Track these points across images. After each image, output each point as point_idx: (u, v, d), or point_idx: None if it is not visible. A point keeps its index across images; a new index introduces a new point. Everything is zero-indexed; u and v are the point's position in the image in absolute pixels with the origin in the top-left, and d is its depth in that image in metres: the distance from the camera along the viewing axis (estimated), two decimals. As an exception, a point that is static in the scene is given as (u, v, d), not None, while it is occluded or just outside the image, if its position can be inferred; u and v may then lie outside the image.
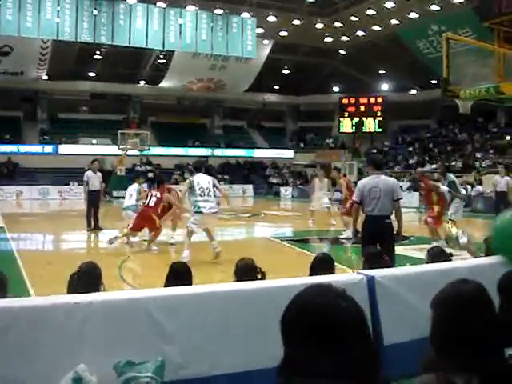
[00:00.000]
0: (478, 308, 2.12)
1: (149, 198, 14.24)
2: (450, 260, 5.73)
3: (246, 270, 4.97)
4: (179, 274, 4.80)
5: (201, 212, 11.73)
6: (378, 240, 7.54)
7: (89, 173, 18.38)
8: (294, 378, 1.64)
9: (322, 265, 5.14)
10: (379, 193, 8.07)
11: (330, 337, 1.63)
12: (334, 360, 1.61)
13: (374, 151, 47.18)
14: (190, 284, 4.69)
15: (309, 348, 1.64)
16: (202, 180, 12.08)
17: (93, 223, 17.65)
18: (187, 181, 12.46)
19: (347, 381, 1.60)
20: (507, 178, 20.70)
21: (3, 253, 13.55)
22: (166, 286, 4.62)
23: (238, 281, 4.76)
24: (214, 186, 12.31)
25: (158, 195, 14.15)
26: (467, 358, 2.02)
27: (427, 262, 5.51)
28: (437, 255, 5.64)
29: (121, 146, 38.88)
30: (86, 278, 4.41)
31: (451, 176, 13.75)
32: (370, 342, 1.73)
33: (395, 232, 8.19)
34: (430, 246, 6.42)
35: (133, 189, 15.46)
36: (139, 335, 3.30)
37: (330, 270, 5.03)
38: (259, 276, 4.97)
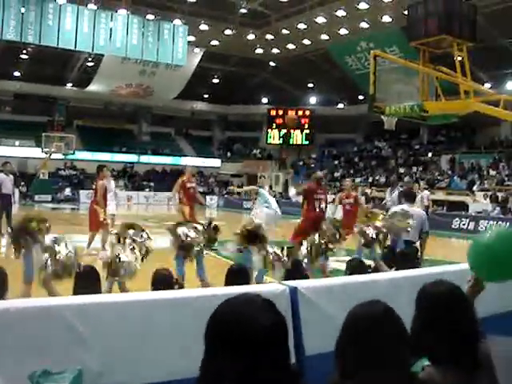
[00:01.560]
0: (385, 329, 2.14)
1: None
2: (369, 272, 5.83)
3: (163, 281, 4.93)
4: (86, 278, 4.68)
5: None
6: None
7: (1, 175, 17.20)
8: None
9: (237, 275, 5.15)
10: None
11: (244, 349, 1.64)
12: (247, 371, 1.62)
13: (301, 163, 47.79)
14: (99, 289, 4.61)
15: (222, 358, 1.65)
16: None
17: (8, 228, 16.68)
18: None
19: None
20: (423, 193, 21.19)
21: None
22: (74, 291, 4.50)
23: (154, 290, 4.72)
24: None
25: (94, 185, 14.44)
26: (369, 378, 2.04)
27: (346, 274, 5.62)
28: (356, 267, 5.74)
29: (45, 149, 38.07)
30: None
31: None
32: (287, 354, 1.76)
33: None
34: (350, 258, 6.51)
35: None
36: (57, 344, 3.20)
37: (246, 281, 5.04)
38: (176, 287, 4.94)
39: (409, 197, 9.50)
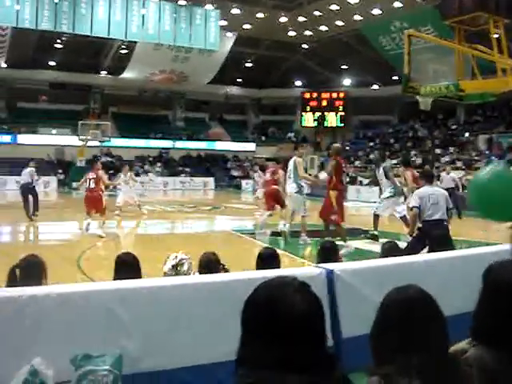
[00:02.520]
0: (420, 313, 2.12)
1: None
2: (403, 254, 5.80)
3: (209, 264, 4.95)
4: (127, 265, 4.72)
5: None
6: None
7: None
8: (247, 370, 1.65)
9: (268, 258, 5.16)
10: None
11: (280, 331, 1.64)
12: (282, 354, 1.63)
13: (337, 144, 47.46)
14: (139, 274, 4.65)
15: (263, 340, 1.66)
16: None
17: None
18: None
19: (297, 375, 1.62)
20: (452, 174, 21.99)
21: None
22: (114, 277, 4.54)
23: (200, 274, 4.74)
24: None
25: (93, 175, 15.15)
26: (407, 362, 2.03)
27: (382, 256, 5.58)
28: (391, 250, 5.73)
29: (81, 137, 38.44)
30: (28, 272, 4.30)
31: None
32: (324, 338, 1.75)
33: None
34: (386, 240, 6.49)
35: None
36: (97, 328, 3.26)
37: (276, 265, 5.04)
38: (222, 272, 4.95)
39: (428, 177, 9.53)
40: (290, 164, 13.73)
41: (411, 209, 9.20)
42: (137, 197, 19.61)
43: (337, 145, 15.12)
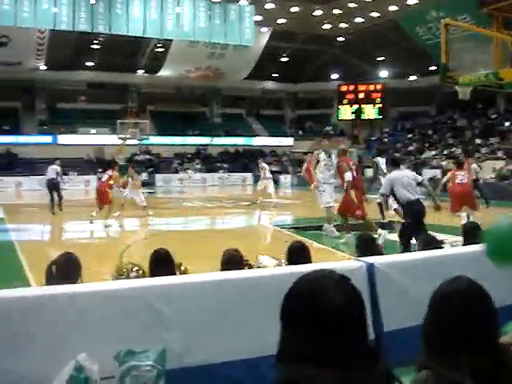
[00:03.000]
0: (473, 305, 2.10)
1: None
2: (442, 247, 5.74)
3: (232, 261, 4.98)
4: (162, 261, 4.78)
5: None
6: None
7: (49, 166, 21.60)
8: (288, 364, 1.65)
9: (298, 252, 5.16)
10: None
11: (321, 325, 1.63)
12: (323, 349, 1.62)
13: (373, 138, 47.24)
14: (174, 270, 4.69)
15: (299, 335, 1.65)
16: None
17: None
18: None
19: (339, 369, 1.60)
20: (474, 165, 21.34)
21: (3, 243, 13.58)
22: (150, 273, 4.61)
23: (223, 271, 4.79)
24: None
25: (110, 173, 17.19)
26: (460, 356, 2.01)
27: (418, 249, 5.52)
28: (428, 242, 5.65)
29: (120, 136, 38.84)
30: (64, 269, 4.37)
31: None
32: (365, 331, 1.73)
33: None
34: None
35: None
36: (140, 324, 3.30)
37: (305, 258, 5.04)
38: (246, 267, 4.98)
39: (395, 163, 10.69)
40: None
41: (381, 195, 10.23)
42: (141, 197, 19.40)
43: (341, 147, 15.71)
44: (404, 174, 10.07)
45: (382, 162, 16.64)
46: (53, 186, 20.42)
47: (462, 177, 15.16)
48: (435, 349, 2.08)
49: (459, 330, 2.03)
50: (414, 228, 9.28)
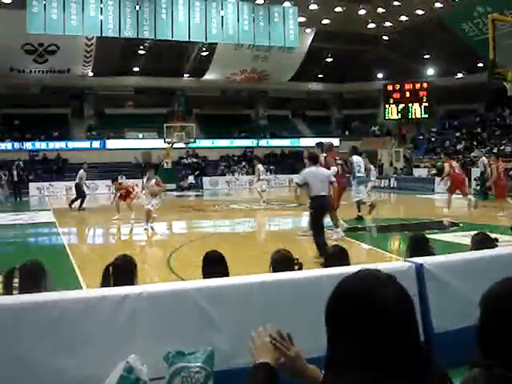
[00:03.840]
0: None
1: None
2: (496, 246, 5.60)
3: (283, 262, 4.96)
4: (214, 262, 4.81)
5: None
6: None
7: (81, 171, 23.96)
8: (339, 370, 1.61)
9: (336, 257, 5.13)
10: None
11: (372, 326, 1.57)
12: (375, 351, 1.56)
13: (421, 137, 46.71)
14: (226, 271, 4.71)
15: (349, 338, 1.59)
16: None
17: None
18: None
19: (390, 374, 1.55)
20: (483, 159, 25.05)
21: (55, 246, 13.88)
22: (203, 274, 4.65)
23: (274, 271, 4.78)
24: None
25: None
26: None
27: (472, 249, 5.40)
28: (482, 241, 5.48)
29: (167, 140, 39.25)
30: (120, 271, 4.45)
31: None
32: (416, 334, 1.66)
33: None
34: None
35: None
36: (188, 325, 3.33)
37: (345, 261, 5.00)
38: (296, 267, 4.96)
39: (313, 159, 11.42)
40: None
41: (296, 184, 11.70)
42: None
43: (329, 143, 16.69)
44: (320, 171, 11.24)
45: (356, 161, 17.48)
46: (77, 189, 23.73)
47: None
48: (491, 350, 2.03)
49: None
50: (319, 219, 11.05)
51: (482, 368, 1.96)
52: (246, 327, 3.43)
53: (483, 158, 26.16)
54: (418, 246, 5.46)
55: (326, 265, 5.15)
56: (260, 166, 25.34)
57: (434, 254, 5.43)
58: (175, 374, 3.08)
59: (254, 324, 3.45)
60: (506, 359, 1.95)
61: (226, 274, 4.61)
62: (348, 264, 5.01)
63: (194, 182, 41.05)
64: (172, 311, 3.31)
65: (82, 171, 23.87)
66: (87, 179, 25.25)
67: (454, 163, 19.00)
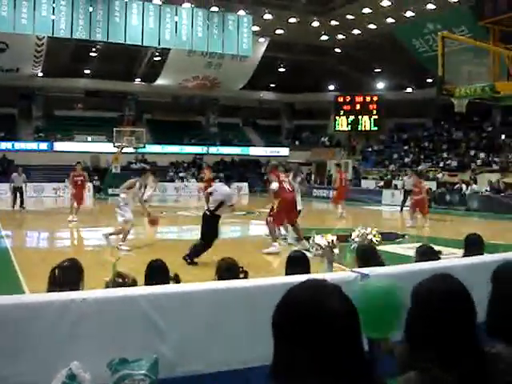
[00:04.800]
0: (460, 303, 2.11)
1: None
2: (439, 258, 5.74)
3: (228, 270, 5.00)
4: (157, 272, 4.83)
5: None
6: None
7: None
8: (283, 376, 1.62)
9: (297, 262, 5.18)
10: None
11: (318, 335, 1.59)
12: (321, 359, 1.59)
13: (370, 150, 47.34)
14: (168, 280, 4.72)
15: (295, 346, 1.61)
16: None
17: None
18: None
19: (334, 381, 1.58)
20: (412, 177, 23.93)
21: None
22: (145, 283, 4.65)
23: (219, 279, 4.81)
24: None
25: None
26: (447, 355, 2.02)
27: (416, 260, 5.54)
28: (425, 253, 5.67)
29: (116, 144, 38.85)
30: (66, 274, 4.40)
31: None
32: (360, 342, 1.70)
33: None
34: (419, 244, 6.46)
35: None
36: (133, 333, 3.29)
37: (305, 268, 5.05)
38: (241, 275, 4.99)
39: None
40: None
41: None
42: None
43: (273, 163, 17.65)
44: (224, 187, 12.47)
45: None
46: (14, 190, 25.01)
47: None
48: (419, 349, 2.09)
49: (443, 329, 2.04)
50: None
51: (418, 370, 2.01)
52: (192, 335, 3.41)
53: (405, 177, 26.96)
54: (366, 256, 5.55)
55: (286, 268, 5.19)
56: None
57: (384, 264, 5.52)
58: (119, 382, 3.04)
59: (199, 332, 3.44)
60: (431, 353, 2.01)
61: (167, 283, 4.61)
62: (308, 271, 5.06)
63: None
64: (117, 318, 3.27)
65: (14, 174, 25.50)
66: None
67: (423, 184, 20.39)
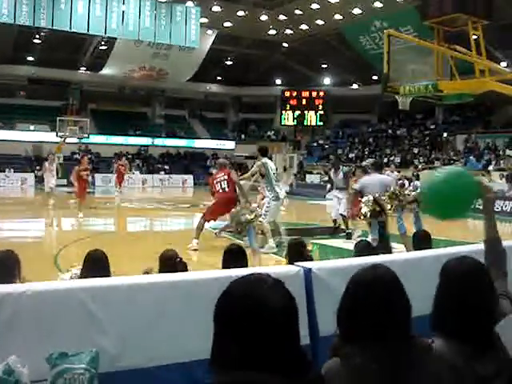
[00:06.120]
0: (385, 292, 2.14)
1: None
2: (377, 254, 5.88)
3: (167, 261, 5.01)
4: (96, 262, 4.74)
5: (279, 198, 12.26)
6: None
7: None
8: (220, 368, 1.64)
9: (235, 255, 5.20)
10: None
11: (255, 330, 1.62)
12: (257, 354, 1.62)
13: (315, 144, 47.73)
14: (109, 271, 4.66)
15: (233, 339, 1.64)
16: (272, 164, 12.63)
17: None
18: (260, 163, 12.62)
19: (271, 374, 1.60)
20: (395, 174, 23.46)
21: None
22: (82, 274, 4.58)
23: (160, 272, 4.81)
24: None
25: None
26: (369, 342, 2.05)
27: (355, 255, 5.67)
28: (364, 248, 5.87)
29: (59, 133, 38.19)
30: (3, 267, 4.30)
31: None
32: (298, 337, 1.74)
33: None
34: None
35: None
36: (73, 326, 3.24)
37: (242, 261, 5.09)
38: (180, 266, 5.01)
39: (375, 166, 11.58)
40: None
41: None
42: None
43: (221, 160, 15.85)
44: None
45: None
46: None
47: None
48: (346, 334, 2.12)
49: (369, 318, 2.08)
50: None
51: (341, 358, 2.04)
52: (133, 328, 3.38)
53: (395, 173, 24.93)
54: (296, 251, 5.65)
55: (223, 261, 5.19)
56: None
57: (312, 259, 5.63)
58: (58, 376, 2.99)
59: (141, 325, 3.41)
60: (358, 344, 2.05)
61: (108, 275, 4.54)
62: (246, 265, 5.07)
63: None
64: (56, 311, 3.21)
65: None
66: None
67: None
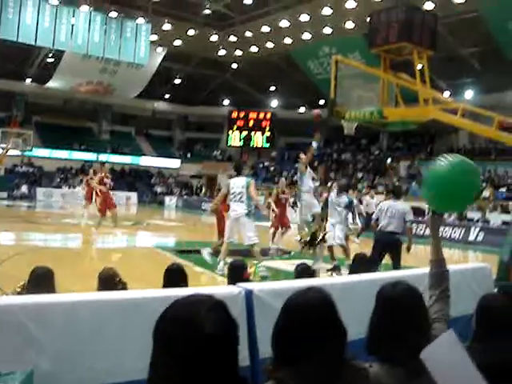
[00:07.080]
0: (320, 317, 2.14)
1: None
2: (314, 276, 6.02)
3: (107, 280, 4.95)
4: (41, 279, 4.66)
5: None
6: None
7: None
8: None
9: (176, 274, 5.19)
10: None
11: (194, 353, 1.62)
12: (193, 376, 1.61)
13: (261, 166, 47.94)
14: (54, 288, 4.59)
15: (172, 359, 1.63)
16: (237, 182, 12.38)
17: None
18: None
19: None
20: (375, 199, 23.33)
21: None
22: (28, 290, 4.50)
23: (99, 291, 4.76)
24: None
25: None
26: (303, 366, 2.05)
27: (295, 277, 5.80)
28: (303, 271, 5.95)
29: (1, 145, 37.42)
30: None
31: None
32: (235, 359, 1.73)
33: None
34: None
35: None
36: (8, 344, 3.16)
37: (182, 281, 5.08)
38: (119, 286, 4.95)
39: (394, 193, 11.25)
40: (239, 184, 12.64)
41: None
42: None
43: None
44: None
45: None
46: None
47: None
48: (280, 357, 2.12)
49: (301, 340, 2.07)
50: None
51: (274, 381, 2.04)
52: (72, 347, 3.31)
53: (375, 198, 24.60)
54: (236, 273, 5.73)
55: (164, 281, 5.15)
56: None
57: (251, 281, 5.67)
58: (-11, 395, 2.91)
59: (80, 343, 3.34)
60: (295, 365, 2.04)
61: (54, 291, 4.47)
62: (186, 285, 5.04)
63: (26, 191, 39.46)
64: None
65: None
66: None
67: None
